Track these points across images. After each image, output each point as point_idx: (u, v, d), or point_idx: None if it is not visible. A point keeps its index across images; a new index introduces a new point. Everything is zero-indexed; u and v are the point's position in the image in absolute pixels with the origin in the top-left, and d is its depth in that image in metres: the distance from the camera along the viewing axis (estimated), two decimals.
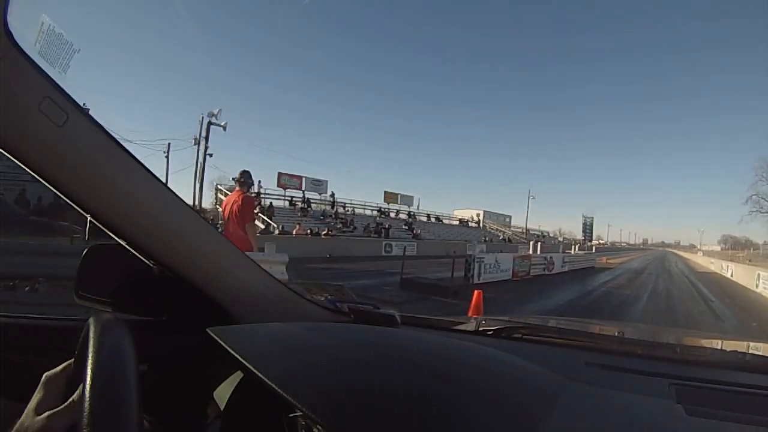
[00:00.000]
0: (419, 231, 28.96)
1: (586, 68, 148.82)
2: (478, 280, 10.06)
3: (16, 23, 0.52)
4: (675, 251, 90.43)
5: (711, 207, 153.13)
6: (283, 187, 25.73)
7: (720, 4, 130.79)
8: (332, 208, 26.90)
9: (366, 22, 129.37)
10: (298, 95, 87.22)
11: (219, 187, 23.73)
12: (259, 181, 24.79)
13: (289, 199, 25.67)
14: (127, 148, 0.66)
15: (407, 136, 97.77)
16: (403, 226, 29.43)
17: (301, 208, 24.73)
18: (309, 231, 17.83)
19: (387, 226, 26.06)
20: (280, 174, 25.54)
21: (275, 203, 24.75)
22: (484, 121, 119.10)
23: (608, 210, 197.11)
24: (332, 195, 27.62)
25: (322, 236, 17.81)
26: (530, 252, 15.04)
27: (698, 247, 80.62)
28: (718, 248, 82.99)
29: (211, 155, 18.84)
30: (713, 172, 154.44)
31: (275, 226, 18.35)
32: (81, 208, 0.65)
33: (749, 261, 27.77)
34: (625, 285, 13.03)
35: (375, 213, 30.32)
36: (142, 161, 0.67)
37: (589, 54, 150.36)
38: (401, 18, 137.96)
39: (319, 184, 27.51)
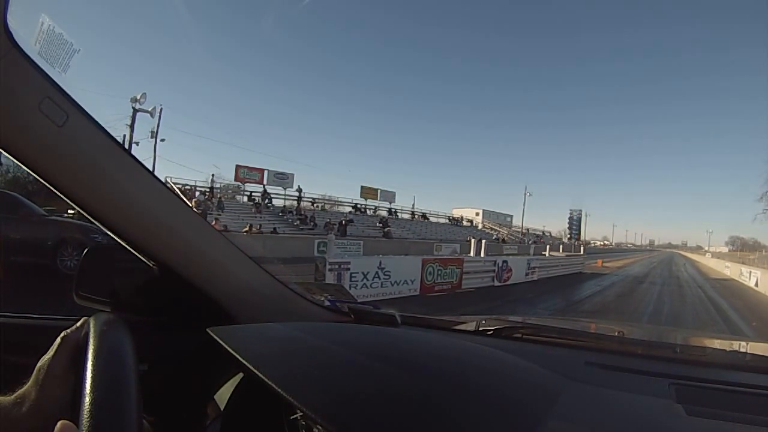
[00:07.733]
0: (388, 229, 25.97)
1: (591, 68, 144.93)
2: None
3: (16, 23, 0.52)
4: (682, 252, 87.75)
5: (718, 208, 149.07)
6: (241, 181, 23.69)
7: (726, 4, 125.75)
8: (298, 203, 24.72)
9: (361, 17, 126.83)
10: (290, 91, 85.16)
11: (167, 179, 21.93)
12: (212, 175, 23.00)
13: (248, 194, 23.62)
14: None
15: (404, 135, 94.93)
16: (378, 224, 27.05)
17: (255, 203, 22.54)
18: (225, 227, 15.66)
19: (343, 221, 23.04)
20: (238, 167, 23.35)
21: (240, 199, 23.62)
22: (488, 121, 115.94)
23: (614, 211, 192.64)
24: (299, 189, 25.31)
25: (243, 234, 15.63)
26: (472, 252, 11.09)
27: (706, 248, 77.41)
28: (726, 249, 79.89)
29: (137, 143, 16.82)
30: (720, 173, 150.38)
31: None
32: (81, 209, 0.65)
33: None
34: (612, 305, 8.80)
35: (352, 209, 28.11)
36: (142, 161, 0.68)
37: (593, 54, 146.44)
38: (405, 17, 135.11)
39: (283, 178, 24.99)
